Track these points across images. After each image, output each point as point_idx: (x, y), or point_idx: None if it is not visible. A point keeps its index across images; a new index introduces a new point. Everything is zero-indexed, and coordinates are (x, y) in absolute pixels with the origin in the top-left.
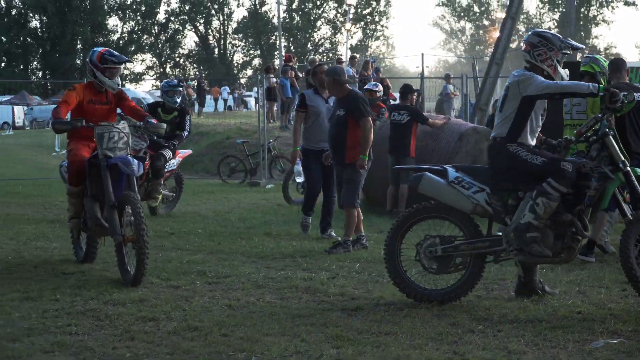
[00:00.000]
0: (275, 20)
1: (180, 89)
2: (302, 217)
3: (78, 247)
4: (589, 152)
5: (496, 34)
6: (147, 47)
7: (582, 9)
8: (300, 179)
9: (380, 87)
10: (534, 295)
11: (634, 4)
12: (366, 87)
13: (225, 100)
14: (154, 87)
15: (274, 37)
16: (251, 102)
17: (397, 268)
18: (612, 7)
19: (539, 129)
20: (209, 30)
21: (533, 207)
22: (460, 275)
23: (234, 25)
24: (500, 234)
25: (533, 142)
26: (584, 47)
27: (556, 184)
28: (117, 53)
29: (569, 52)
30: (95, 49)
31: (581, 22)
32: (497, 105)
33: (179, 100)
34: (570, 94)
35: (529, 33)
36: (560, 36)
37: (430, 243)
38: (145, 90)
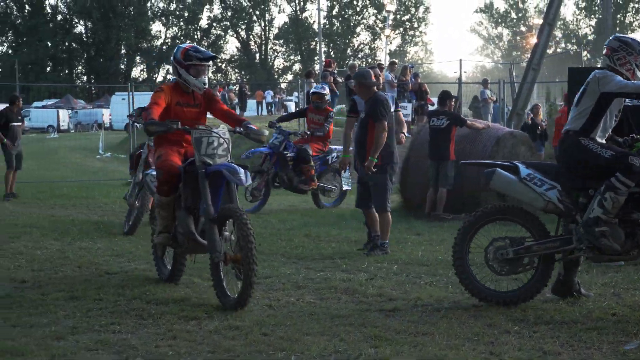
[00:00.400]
0: (315, 26)
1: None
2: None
3: (162, 265)
4: None
5: (533, 40)
6: None
7: (619, 15)
8: (347, 187)
9: (328, 90)
10: (570, 296)
11: None
12: (313, 90)
13: (269, 104)
14: None
15: (314, 43)
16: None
17: (467, 271)
18: None
19: (611, 129)
20: (251, 36)
21: (601, 201)
22: (530, 276)
23: (275, 31)
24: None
25: (603, 141)
26: None
27: (624, 178)
28: (203, 49)
29: None
30: (180, 45)
31: (617, 28)
32: (575, 99)
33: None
34: None
35: (610, 38)
36: (639, 41)
37: (499, 245)
38: None
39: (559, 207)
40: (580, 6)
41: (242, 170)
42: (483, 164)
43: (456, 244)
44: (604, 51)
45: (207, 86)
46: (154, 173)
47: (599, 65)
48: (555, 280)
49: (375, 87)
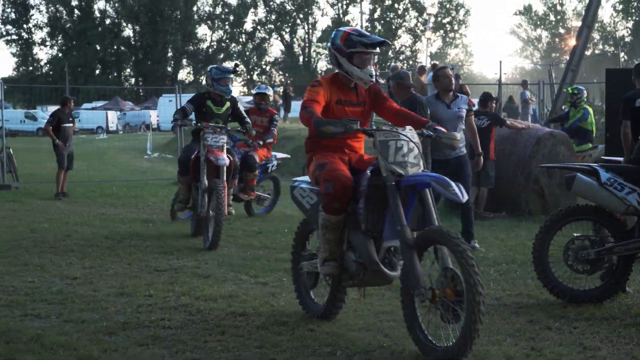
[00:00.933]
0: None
1: (232, 75)
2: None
3: (309, 299)
4: None
5: (572, 42)
6: (235, 55)
7: None
8: None
9: (271, 91)
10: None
11: None
12: (256, 90)
13: None
14: (242, 93)
15: None
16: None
17: (547, 270)
18: None
19: None
20: (294, 39)
21: None
22: (610, 276)
23: (319, 34)
24: None
25: None
26: None
27: None
28: (367, 32)
29: None
30: (339, 29)
31: None
32: None
33: (232, 88)
34: None
35: None
36: None
37: (580, 246)
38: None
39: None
40: (617, 8)
41: (453, 183)
42: (565, 168)
43: (537, 243)
44: None
45: (374, 79)
46: (305, 186)
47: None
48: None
49: (412, 89)
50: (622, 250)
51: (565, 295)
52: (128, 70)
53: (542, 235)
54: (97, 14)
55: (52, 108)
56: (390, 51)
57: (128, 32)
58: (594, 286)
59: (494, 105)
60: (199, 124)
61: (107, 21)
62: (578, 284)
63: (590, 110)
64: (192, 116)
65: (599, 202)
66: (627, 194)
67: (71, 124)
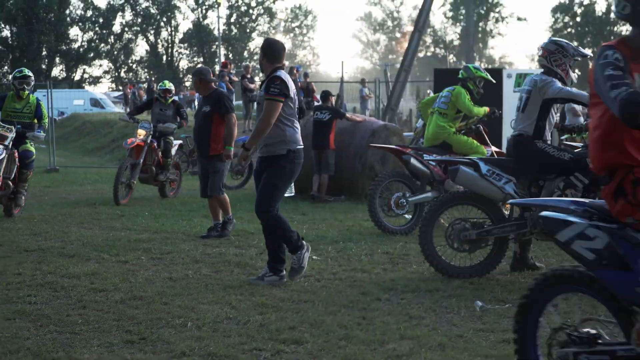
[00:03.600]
0: (216, 32)
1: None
2: None
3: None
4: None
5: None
6: (104, 54)
7: (480, 24)
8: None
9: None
10: (526, 270)
11: (524, 19)
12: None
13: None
14: (110, 89)
15: (214, 46)
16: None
17: (432, 250)
18: (506, 22)
19: (553, 124)
20: (159, 40)
21: (561, 197)
22: (487, 254)
23: (180, 35)
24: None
25: (549, 135)
26: (590, 54)
27: (582, 177)
28: None
29: (578, 59)
30: None
31: (479, 35)
32: (519, 104)
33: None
34: (576, 100)
35: (546, 41)
36: (573, 45)
37: (462, 227)
38: (102, 91)
39: (516, 197)
40: (447, 15)
41: None
42: (449, 161)
43: (423, 224)
44: (540, 52)
45: None
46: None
47: (463, 65)
48: (513, 258)
49: (214, 84)
50: (499, 232)
51: (445, 270)
52: (5, 67)
53: (429, 217)
54: None
55: None
56: (245, 52)
57: (6, 32)
58: (475, 262)
59: (333, 99)
60: None
61: None
62: (459, 261)
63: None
64: None
65: (479, 191)
66: (504, 183)
67: None
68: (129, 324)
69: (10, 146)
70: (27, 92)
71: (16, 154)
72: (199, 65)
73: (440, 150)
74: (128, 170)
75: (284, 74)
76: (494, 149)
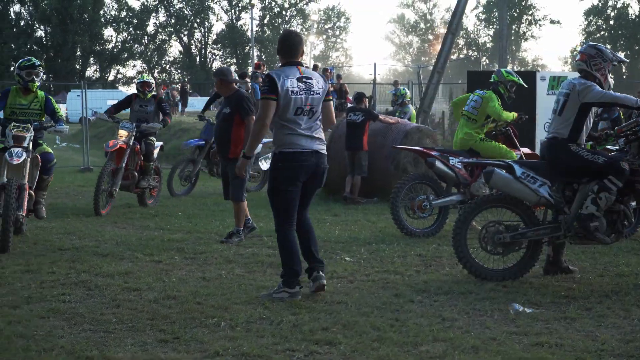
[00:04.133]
0: (249, 33)
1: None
2: None
3: None
4: (624, 148)
5: (438, 47)
6: (137, 55)
7: (514, 26)
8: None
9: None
10: (560, 273)
11: (558, 22)
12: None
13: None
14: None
15: (247, 48)
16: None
17: (465, 252)
18: (540, 25)
19: (590, 128)
20: (192, 41)
21: (596, 200)
22: (520, 257)
23: (214, 36)
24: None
25: (584, 139)
26: (628, 61)
27: (616, 180)
28: None
29: (616, 64)
30: None
31: (512, 38)
32: (555, 107)
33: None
34: (620, 104)
35: (586, 45)
36: (610, 50)
37: (496, 230)
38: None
39: (550, 201)
40: (480, 18)
41: None
42: (482, 164)
43: (457, 226)
44: (579, 57)
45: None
46: None
47: (495, 69)
48: (546, 261)
49: (235, 84)
50: (533, 235)
51: (478, 272)
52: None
53: (463, 219)
54: (13, 15)
55: None
56: None
57: (40, 32)
58: (509, 265)
59: (366, 101)
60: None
61: (22, 22)
62: (492, 264)
63: (413, 110)
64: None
65: (514, 194)
66: (539, 186)
67: None
68: (163, 323)
69: (30, 148)
70: (36, 84)
71: (39, 159)
72: (222, 66)
73: (468, 155)
74: (109, 177)
75: (278, 72)
76: (525, 150)
